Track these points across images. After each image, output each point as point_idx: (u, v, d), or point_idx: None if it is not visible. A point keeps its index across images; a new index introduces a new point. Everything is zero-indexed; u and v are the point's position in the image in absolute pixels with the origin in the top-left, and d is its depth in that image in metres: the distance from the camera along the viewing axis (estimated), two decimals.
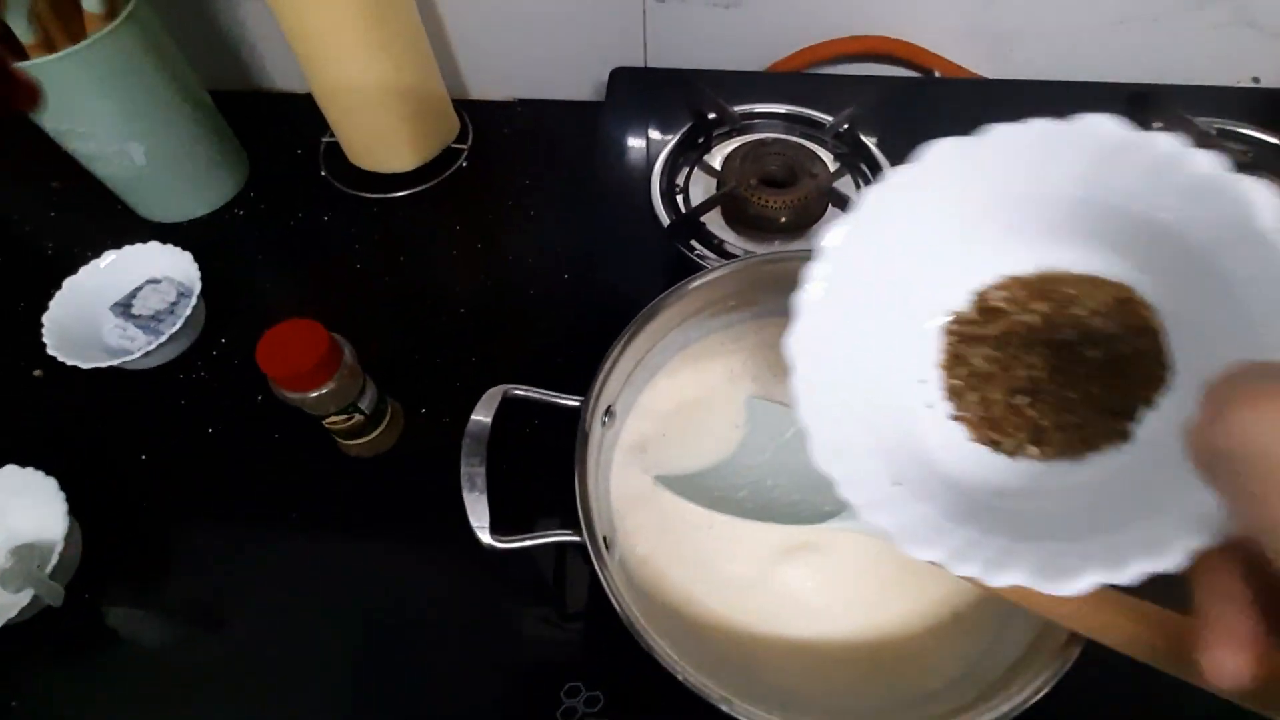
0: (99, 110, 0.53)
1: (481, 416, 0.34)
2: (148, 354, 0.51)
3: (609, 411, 0.37)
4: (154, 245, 0.57)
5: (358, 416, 0.46)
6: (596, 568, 0.29)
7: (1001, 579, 0.21)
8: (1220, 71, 0.65)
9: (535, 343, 0.55)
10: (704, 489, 0.36)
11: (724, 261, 0.37)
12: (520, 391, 0.35)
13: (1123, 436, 0.24)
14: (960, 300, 0.26)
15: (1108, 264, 0.24)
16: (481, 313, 0.57)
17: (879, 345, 0.26)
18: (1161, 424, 0.23)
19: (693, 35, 0.65)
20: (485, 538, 0.31)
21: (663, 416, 0.40)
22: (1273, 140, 0.56)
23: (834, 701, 0.33)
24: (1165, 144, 0.21)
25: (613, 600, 0.28)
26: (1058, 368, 0.25)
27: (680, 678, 0.27)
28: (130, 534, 0.48)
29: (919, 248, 0.25)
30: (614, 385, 0.36)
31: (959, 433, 0.26)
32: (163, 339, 0.52)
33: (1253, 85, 0.66)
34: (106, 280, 0.56)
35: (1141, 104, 0.53)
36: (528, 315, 0.56)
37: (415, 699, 0.41)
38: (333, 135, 0.65)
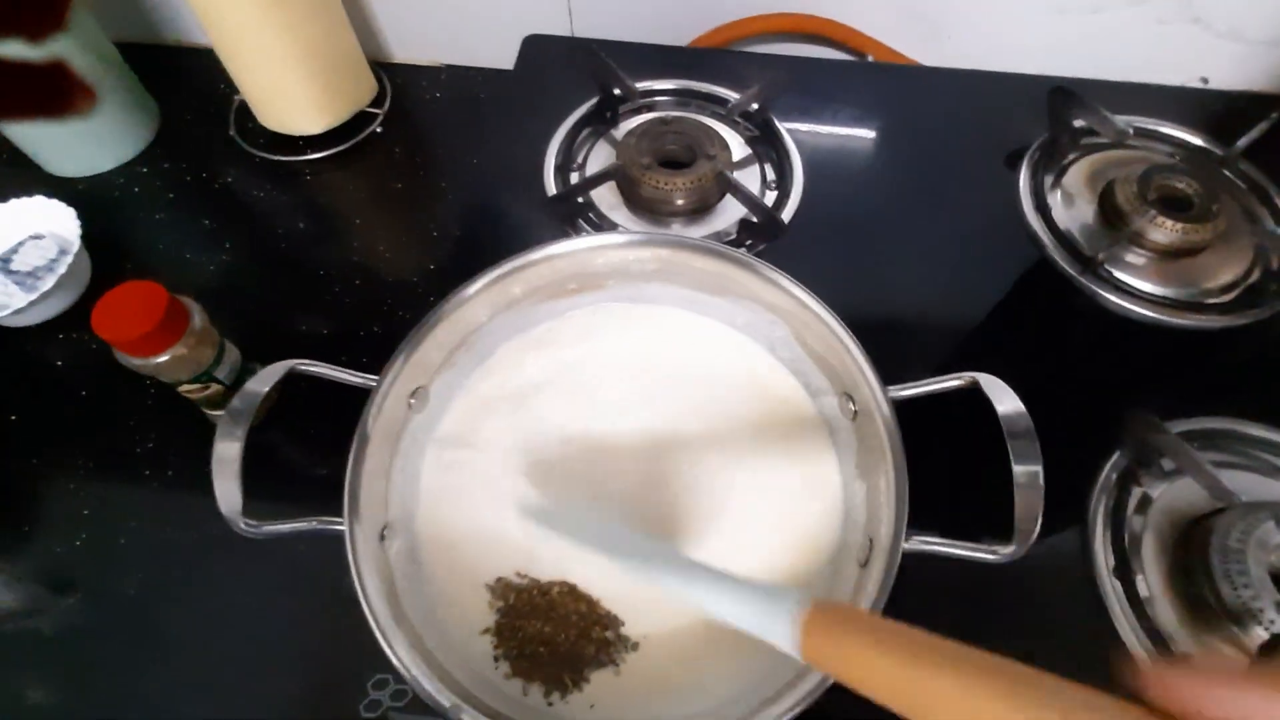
0: None
1: (256, 388, 0.32)
2: (20, 311, 0.50)
3: (416, 394, 0.35)
4: (39, 199, 0.55)
5: (215, 386, 0.45)
6: (350, 560, 0.28)
7: None
8: (1165, 70, 0.62)
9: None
10: (574, 516, 0.34)
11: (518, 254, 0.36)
12: (306, 367, 0.33)
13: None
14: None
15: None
16: (377, 286, 0.55)
17: None
18: None
19: (618, 4, 0.63)
20: (237, 524, 0.30)
21: (490, 401, 0.38)
22: (1199, 143, 0.53)
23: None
24: None
25: (360, 595, 0.27)
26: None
27: (409, 686, 0.26)
28: None
29: None
30: (420, 368, 0.34)
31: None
32: (34, 296, 0.50)
33: (1201, 86, 0.63)
34: None
35: (1064, 100, 0.51)
36: (418, 291, 0.54)
37: (233, 687, 0.40)
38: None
